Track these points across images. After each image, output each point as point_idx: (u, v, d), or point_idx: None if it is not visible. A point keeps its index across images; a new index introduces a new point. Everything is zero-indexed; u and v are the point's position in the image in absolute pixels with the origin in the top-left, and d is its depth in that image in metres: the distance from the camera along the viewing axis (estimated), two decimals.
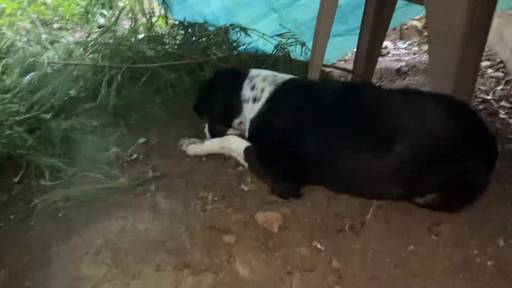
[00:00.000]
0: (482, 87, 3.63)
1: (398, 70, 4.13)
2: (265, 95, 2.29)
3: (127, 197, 2.10)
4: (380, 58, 4.13)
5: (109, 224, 1.91)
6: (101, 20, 4.68)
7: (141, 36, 3.71)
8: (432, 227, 1.92)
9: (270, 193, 2.11)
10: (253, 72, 2.46)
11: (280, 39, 3.42)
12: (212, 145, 2.39)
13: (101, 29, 3.80)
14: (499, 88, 3.58)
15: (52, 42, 3.37)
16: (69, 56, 3.35)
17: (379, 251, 1.78)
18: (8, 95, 2.59)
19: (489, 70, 3.95)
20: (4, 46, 3.07)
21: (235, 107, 2.39)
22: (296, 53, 3.46)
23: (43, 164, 2.29)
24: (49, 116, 2.54)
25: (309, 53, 3.31)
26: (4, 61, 2.85)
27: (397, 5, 3.30)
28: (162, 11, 3.77)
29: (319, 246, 1.80)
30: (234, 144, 2.29)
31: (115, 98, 2.86)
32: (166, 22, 3.75)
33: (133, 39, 3.61)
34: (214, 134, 2.52)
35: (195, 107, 2.64)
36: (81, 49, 3.40)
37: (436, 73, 2.49)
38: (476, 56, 2.74)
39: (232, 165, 2.34)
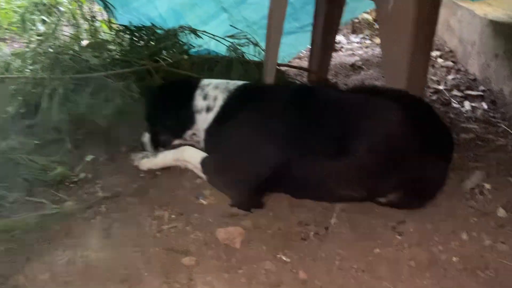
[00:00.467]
0: (433, 77, 3.70)
1: (352, 65, 4.14)
2: (219, 103, 2.20)
3: (75, 222, 1.93)
4: (334, 54, 4.13)
5: (55, 255, 1.73)
6: (42, 28, 4.39)
7: (84, 43, 3.50)
8: (396, 227, 1.89)
9: (230, 205, 2.01)
10: (204, 81, 2.35)
11: (232, 40, 3.32)
12: (166, 158, 2.25)
13: (41, 37, 3.55)
14: (450, 77, 3.66)
15: None
16: (6, 69, 3.11)
17: (345, 257, 1.72)
18: None
19: (439, 60, 4.05)
20: None
21: (188, 119, 2.28)
22: (250, 53, 3.37)
23: None
24: None
25: (263, 53, 3.23)
26: None
27: None
28: (105, 16, 3.55)
29: (284, 258, 1.72)
30: (190, 156, 2.17)
31: (58, 112, 2.66)
32: (110, 27, 3.54)
33: (76, 47, 3.40)
34: (157, 146, 2.39)
35: (146, 119, 2.48)
36: (19, 60, 3.16)
37: (389, 67, 2.49)
38: (427, 47, 2.77)
39: (189, 178, 2.22)
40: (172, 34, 3.36)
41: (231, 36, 3.31)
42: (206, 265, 1.66)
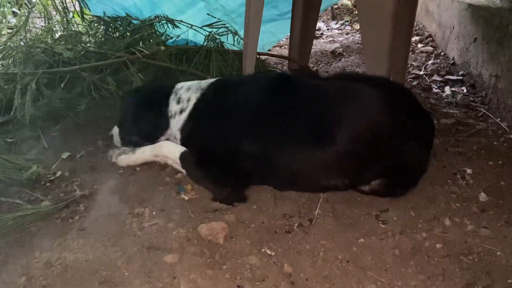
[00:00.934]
0: (414, 63, 3.71)
1: (333, 52, 4.11)
2: (192, 102, 2.16)
3: (52, 223, 1.87)
4: (314, 41, 4.09)
5: (32, 258, 1.67)
6: (14, 20, 4.22)
7: (56, 35, 3.37)
8: (380, 215, 1.89)
9: (213, 199, 1.97)
10: (178, 85, 2.30)
11: (210, 29, 3.24)
12: (144, 154, 2.19)
13: (12, 30, 3.41)
14: (430, 62, 3.66)
15: None
16: None
17: (330, 248, 1.71)
18: None
19: (419, 45, 4.05)
20: None
21: (162, 125, 2.22)
22: (229, 43, 3.30)
23: None
24: None
25: (242, 42, 3.17)
26: None
27: None
28: (77, 7, 3.41)
29: (268, 251, 1.70)
30: (168, 151, 2.11)
31: (32, 108, 2.56)
32: (83, 18, 3.41)
33: (48, 40, 3.28)
34: (127, 144, 2.32)
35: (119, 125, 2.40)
36: None
37: (370, 53, 2.47)
38: (407, 32, 2.76)
39: (169, 173, 2.16)
40: (148, 25, 3.26)
41: (209, 25, 3.23)
42: (189, 262, 1.63)
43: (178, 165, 2.09)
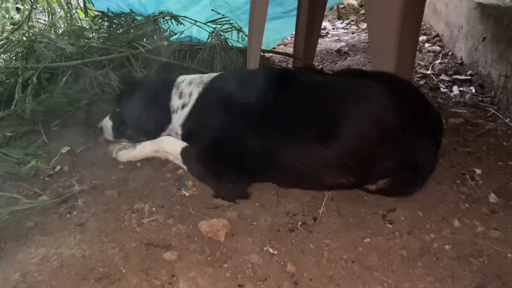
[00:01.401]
0: (421, 62, 3.65)
1: (338, 51, 4.06)
2: (194, 97, 2.11)
3: (50, 218, 1.82)
4: (320, 40, 4.04)
5: (27, 253, 1.62)
6: (17, 16, 4.20)
7: (59, 31, 3.34)
8: (387, 215, 1.83)
9: (214, 196, 1.92)
10: (179, 78, 2.25)
11: (214, 26, 3.20)
12: (144, 149, 2.15)
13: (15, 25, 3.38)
14: (437, 62, 3.60)
15: None
16: None
17: (335, 248, 1.65)
18: None
19: (427, 45, 3.99)
20: None
21: (164, 121, 2.18)
22: (234, 39, 3.25)
23: None
24: None
25: (246, 39, 3.12)
26: None
27: None
28: (81, 2, 3.39)
29: (271, 250, 1.64)
30: (169, 146, 2.07)
31: (33, 102, 2.52)
32: (86, 14, 3.38)
33: (51, 35, 3.25)
34: (121, 138, 2.28)
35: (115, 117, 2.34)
36: None
37: (377, 52, 2.41)
38: (415, 31, 2.70)
39: (171, 169, 2.12)
40: (152, 21, 3.22)
41: (213, 21, 3.19)
42: (189, 259, 1.57)
43: (179, 161, 2.05)
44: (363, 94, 1.86)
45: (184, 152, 2.01)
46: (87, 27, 3.39)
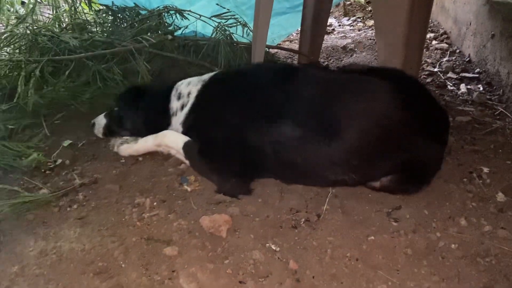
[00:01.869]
0: (428, 60, 3.59)
1: (344, 48, 4.01)
2: (193, 95, 2.08)
3: (50, 211, 1.81)
4: (325, 36, 3.99)
5: (26, 246, 1.61)
6: (22, 10, 4.19)
7: (63, 24, 3.32)
8: (392, 213, 1.79)
9: (217, 191, 1.90)
10: (179, 82, 2.22)
11: (219, 20, 3.16)
12: (146, 143, 2.12)
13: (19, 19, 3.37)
14: (444, 59, 3.55)
15: None
16: None
17: (338, 245, 1.62)
18: None
19: (434, 42, 3.93)
20: None
21: (164, 123, 2.15)
22: (238, 34, 3.22)
23: None
24: None
25: (251, 34, 3.09)
26: None
27: None
28: None
29: (273, 247, 1.61)
30: (172, 141, 2.04)
31: (36, 95, 2.50)
32: (90, 7, 3.36)
33: (55, 28, 3.23)
34: (112, 134, 2.27)
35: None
36: None
37: (384, 49, 2.37)
38: (422, 28, 2.66)
39: (173, 164, 2.09)
40: (156, 15, 3.20)
41: (218, 16, 3.15)
42: (190, 255, 1.55)
43: (181, 155, 2.02)
44: (366, 90, 1.83)
45: (186, 147, 1.98)
46: (91, 21, 3.37)
